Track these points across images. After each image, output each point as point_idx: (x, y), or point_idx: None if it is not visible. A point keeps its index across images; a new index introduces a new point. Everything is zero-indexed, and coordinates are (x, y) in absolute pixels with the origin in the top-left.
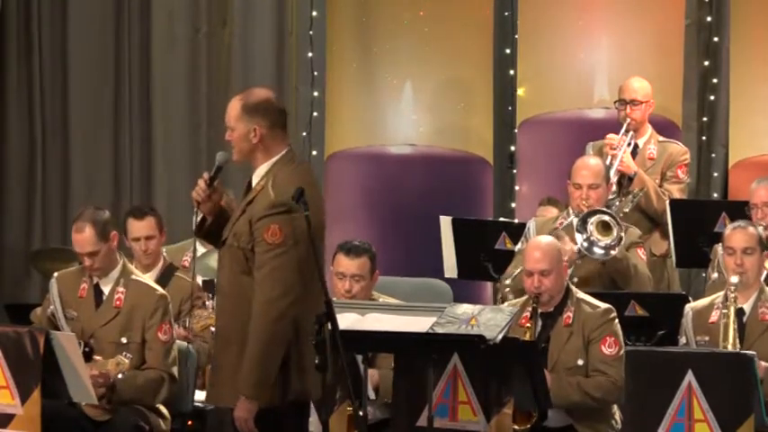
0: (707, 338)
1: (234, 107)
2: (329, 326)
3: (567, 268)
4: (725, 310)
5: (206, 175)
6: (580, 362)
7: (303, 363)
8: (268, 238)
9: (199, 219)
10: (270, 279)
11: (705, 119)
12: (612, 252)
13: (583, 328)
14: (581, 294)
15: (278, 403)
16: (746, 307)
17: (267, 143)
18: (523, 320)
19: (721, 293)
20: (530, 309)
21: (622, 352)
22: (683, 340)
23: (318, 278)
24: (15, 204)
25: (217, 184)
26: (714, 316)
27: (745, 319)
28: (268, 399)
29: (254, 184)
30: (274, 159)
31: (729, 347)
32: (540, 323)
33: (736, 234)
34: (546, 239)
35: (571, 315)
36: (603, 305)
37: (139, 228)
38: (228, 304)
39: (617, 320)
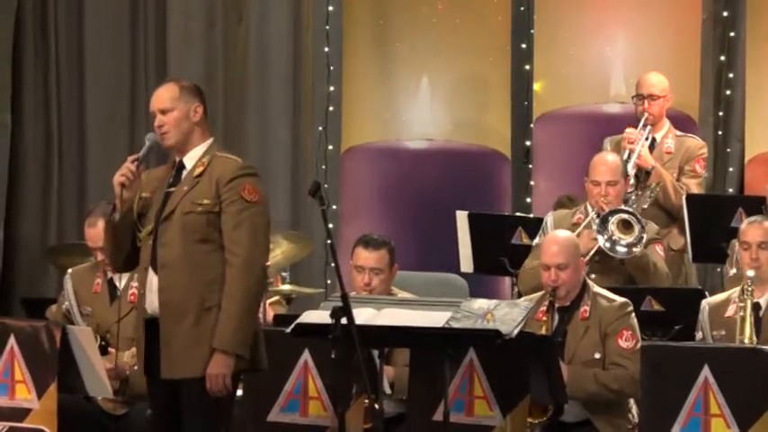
0: (723, 333)
1: (170, 89)
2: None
3: (583, 263)
4: (741, 304)
5: (133, 157)
6: (597, 355)
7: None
8: (246, 196)
9: (111, 209)
10: (252, 237)
11: (721, 114)
12: (635, 250)
13: (600, 322)
14: (597, 288)
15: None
16: (762, 301)
17: (204, 125)
18: (540, 314)
19: (737, 288)
20: (546, 303)
21: (639, 345)
22: (699, 335)
23: (336, 276)
24: (32, 200)
25: (142, 169)
26: (730, 310)
27: (761, 313)
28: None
29: (190, 163)
30: (209, 142)
31: (746, 341)
32: (556, 317)
33: (751, 229)
34: (563, 234)
35: (588, 309)
36: (620, 299)
37: None
38: (179, 276)
39: (633, 314)
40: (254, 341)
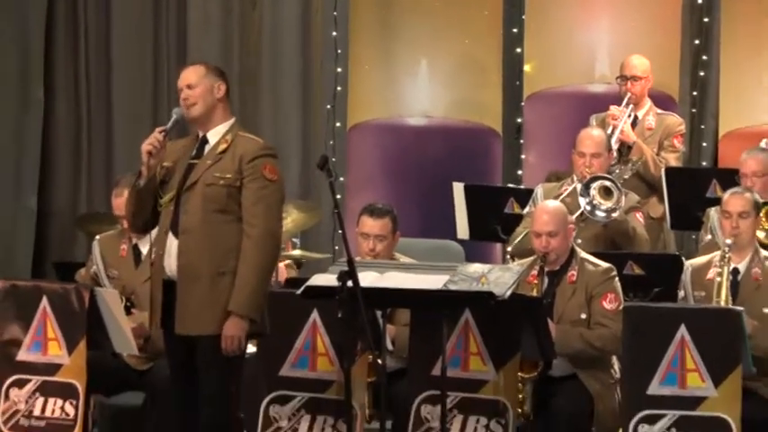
0: (703, 294)
1: (197, 69)
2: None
3: (572, 231)
4: (719, 270)
5: (160, 128)
6: (583, 316)
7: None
8: (267, 174)
9: (136, 176)
10: (269, 212)
11: (696, 93)
12: (614, 215)
13: (586, 285)
14: (584, 254)
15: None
16: (741, 267)
17: (224, 104)
18: (531, 278)
19: (718, 252)
20: (537, 267)
21: (621, 307)
22: (681, 294)
23: (343, 242)
24: (63, 172)
25: (165, 140)
26: (711, 273)
27: (739, 277)
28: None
29: (213, 139)
30: (232, 121)
31: (722, 303)
32: (546, 280)
33: (733, 199)
34: (553, 203)
35: (575, 273)
36: (605, 264)
37: None
38: (197, 241)
39: (617, 278)
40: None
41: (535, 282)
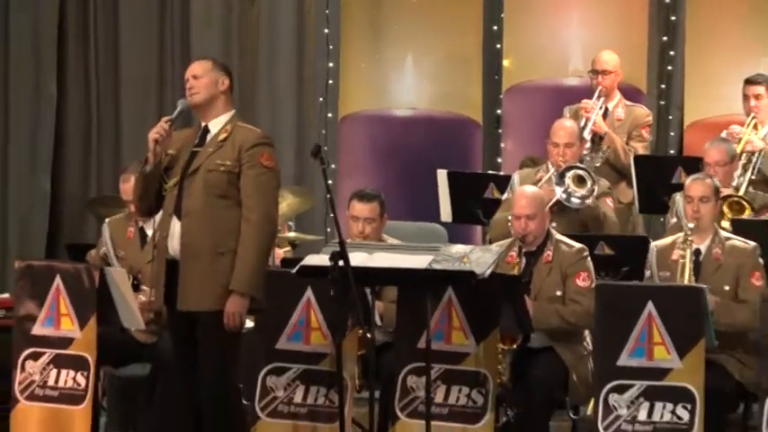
0: (668, 274)
1: (204, 63)
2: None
3: (548, 214)
4: (682, 252)
5: (166, 118)
6: (558, 293)
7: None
8: (264, 162)
9: (143, 163)
10: (266, 197)
11: (663, 86)
12: (587, 201)
13: (561, 264)
14: (559, 236)
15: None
16: (703, 248)
17: (226, 97)
18: (510, 258)
19: (681, 234)
20: (516, 248)
21: (593, 285)
22: (648, 273)
23: (335, 225)
24: (75, 159)
25: (171, 129)
26: (674, 255)
27: (701, 258)
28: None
29: (214, 128)
30: (232, 113)
31: (686, 282)
32: (524, 260)
33: (694, 184)
34: (531, 189)
35: (551, 254)
36: (578, 245)
37: None
38: (198, 224)
39: (589, 258)
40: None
41: (515, 261)
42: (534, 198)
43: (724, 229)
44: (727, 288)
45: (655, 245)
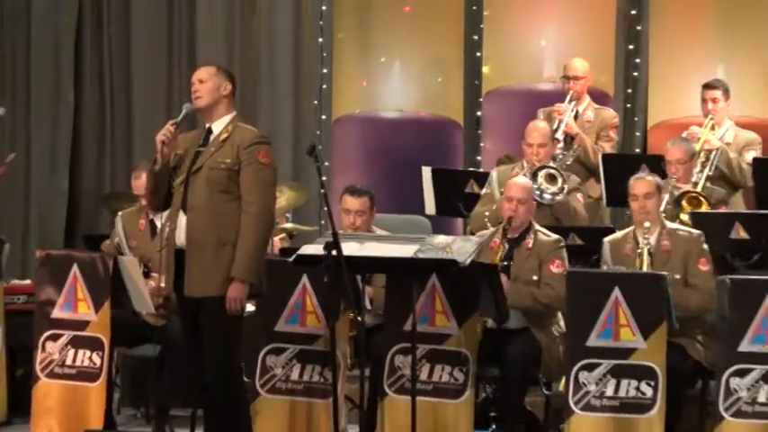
0: (623, 268)
1: (209, 69)
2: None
3: (534, 206)
4: (639, 250)
5: (172, 121)
6: (534, 277)
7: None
8: (261, 159)
9: (152, 162)
10: (263, 192)
11: (629, 91)
12: (558, 197)
13: (539, 252)
14: (538, 227)
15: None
16: (652, 240)
17: (228, 100)
18: (494, 244)
19: (631, 228)
20: (499, 235)
21: (566, 272)
22: (604, 267)
23: (328, 218)
24: (90, 158)
25: (179, 132)
26: (626, 249)
27: (651, 250)
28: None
29: (217, 129)
30: (233, 114)
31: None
32: (507, 246)
33: (637, 183)
34: (524, 180)
35: (531, 242)
36: (555, 236)
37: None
38: (202, 218)
39: (565, 248)
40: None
41: (499, 246)
42: (526, 187)
43: (683, 221)
44: (677, 276)
45: (607, 240)
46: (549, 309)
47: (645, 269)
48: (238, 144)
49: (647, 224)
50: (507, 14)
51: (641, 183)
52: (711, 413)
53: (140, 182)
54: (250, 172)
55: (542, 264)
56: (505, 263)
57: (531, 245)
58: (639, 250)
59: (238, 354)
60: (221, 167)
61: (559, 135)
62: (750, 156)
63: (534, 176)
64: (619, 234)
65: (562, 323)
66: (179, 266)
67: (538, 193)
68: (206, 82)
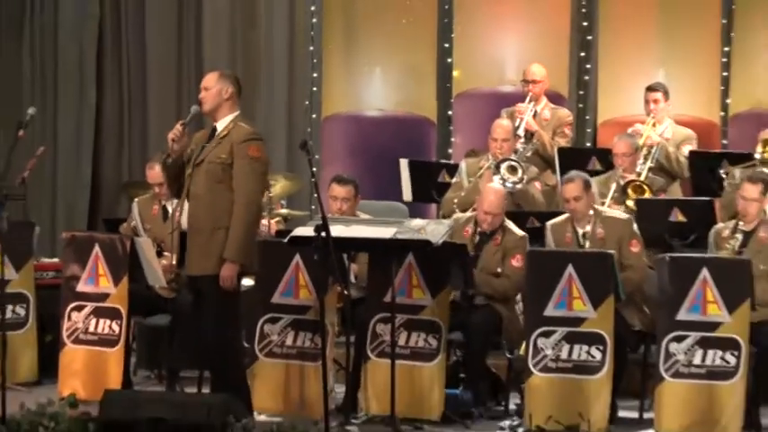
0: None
1: (213, 75)
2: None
3: (505, 207)
4: (579, 241)
5: (181, 122)
6: (499, 270)
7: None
8: (251, 154)
9: (165, 156)
10: (253, 183)
11: (581, 92)
12: (518, 186)
13: (505, 247)
14: (509, 223)
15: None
16: (588, 228)
17: (231, 101)
18: (466, 233)
19: (569, 216)
20: (472, 225)
21: (524, 265)
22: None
23: (318, 204)
24: (110, 151)
25: (187, 130)
26: (567, 238)
27: (588, 237)
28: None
29: (219, 128)
30: (235, 114)
31: None
32: (478, 238)
33: (565, 188)
34: (499, 191)
35: (500, 238)
36: (521, 233)
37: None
38: (202, 206)
39: (527, 244)
40: (251, 253)
41: (470, 237)
42: (500, 197)
43: (628, 207)
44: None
45: (549, 224)
46: (503, 295)
47: None
48: (233, 140)
49: (588, 228)
50: (474, 26)
51: (569, 187)
52: (653, 374)
53: (154, 172)
54: (241, 165)
55: (506, 257)
56: (473, 254)
57: (499, 241)
58: (579, 241)
59: (236, 324)
60: (218, 162)
61: (520, 132)
62: (686, 149)
63: (497, 168)
64: (559, 219)
65: (521, 305)
66: (183, 247)
67: (501, 182)
68: (210, 89)
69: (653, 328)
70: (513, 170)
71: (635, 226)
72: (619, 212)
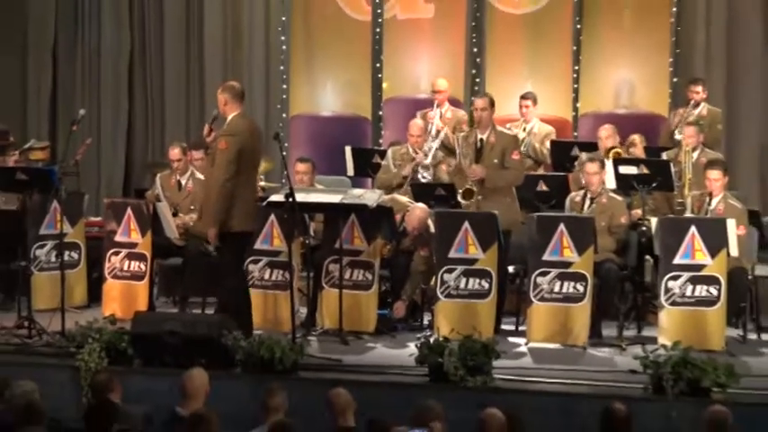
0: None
1: (221, 89)
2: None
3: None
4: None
5: (209, 122)
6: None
7: (240, 212)
8: (220, 146)
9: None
10: (222, 168)
11: (473, 99)
12: (430, 172)
13: (503, 146)
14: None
15: (224, 231)
16: (485, 137)
17: (231, 104)
18: (398, 216)
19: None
20: (402, 227)
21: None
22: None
23: (287, 178)
24: (139, 140)
25: (213, 126)
26: (471, 144)
27: (484, 144)
28: (222, 227)
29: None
30: (234, 113)
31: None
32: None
33: (476, 101)
34: (423, 213)
35: (494, 140)
36: (512, 132)
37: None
38: (204, 182)
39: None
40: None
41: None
42: (424, 219)
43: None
44: (495, 161)
45: (461, 135)
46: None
47: (469, 162)
48: (219, 133)
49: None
50: (398, 49)
51: (479, 101)
52: (525, 299)
53: (174, 152)
54: (214, 153)
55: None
56: (392, 244)
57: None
58: (477, 144)
59: (234, 265)
60: (213, 149)
61: (432, 129)
62: (548, 143)
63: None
64: (467, 131)
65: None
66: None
67: (419, 177)
68: (219, 99)
69: (514, 224)
70: (425, 167)
71: (518, 142)
72: (510, 130)
